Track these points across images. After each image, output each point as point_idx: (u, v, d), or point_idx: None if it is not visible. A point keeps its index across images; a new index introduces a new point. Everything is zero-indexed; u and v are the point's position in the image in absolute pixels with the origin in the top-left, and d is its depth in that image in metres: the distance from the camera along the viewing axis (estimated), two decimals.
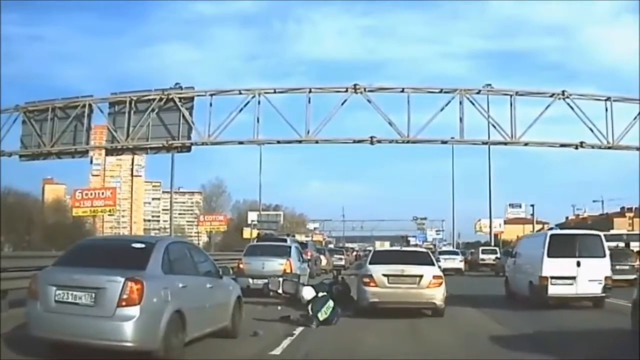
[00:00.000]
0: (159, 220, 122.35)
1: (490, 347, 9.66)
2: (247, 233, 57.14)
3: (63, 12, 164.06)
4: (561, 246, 15.62)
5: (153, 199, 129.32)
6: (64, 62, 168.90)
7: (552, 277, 15.21)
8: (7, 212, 50.39)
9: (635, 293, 10.55)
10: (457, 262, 37.00)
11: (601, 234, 16.95)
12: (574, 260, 15.29)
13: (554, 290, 15.16)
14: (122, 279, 6.82)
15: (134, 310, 6.77)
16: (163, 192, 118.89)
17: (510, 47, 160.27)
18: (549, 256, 15.36)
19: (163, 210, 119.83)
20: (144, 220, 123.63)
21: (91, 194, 36.72)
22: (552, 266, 15.27)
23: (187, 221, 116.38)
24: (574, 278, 15.19)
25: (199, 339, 8.39)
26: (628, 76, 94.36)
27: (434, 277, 13.27)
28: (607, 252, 15.85)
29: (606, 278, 15.33)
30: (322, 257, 36.92)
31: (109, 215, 42.36)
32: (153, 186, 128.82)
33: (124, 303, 6.74)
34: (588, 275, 15.23)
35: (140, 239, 8.44)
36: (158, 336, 6.99)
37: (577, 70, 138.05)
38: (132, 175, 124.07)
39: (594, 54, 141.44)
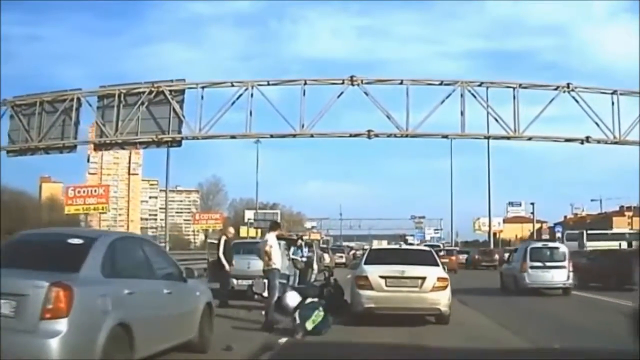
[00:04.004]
0: (156, 219, 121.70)
1: None
2: (243, 232, 56.38)
3: (59, 11, 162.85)
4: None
5: (150, 197, 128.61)
6: (59, 61, 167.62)
7: None
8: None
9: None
10: None
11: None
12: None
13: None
14: (46, 284, 5.45)
15: (61, 324, 5.40)
16: (160, 190, 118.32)
17: (508, 46, 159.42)
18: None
19: (160, 208, 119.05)
20: (141, 218, 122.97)
21: (84, 191, 36.06)
22: None
23: (185, 220, 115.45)
24: None
25: (155, 356, 7.02)
26: (627, 76, 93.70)
27: (439, 279, 11.69)
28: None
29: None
30: (325, 255, 36.65)
31: (101, 213, 41.48)
32: (150, 184, 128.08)
33: (48, 315, 5.39)
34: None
35: (80, 233, 6.97)
36: (94, 356, 5.67)
37: (575, 70, 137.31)
38: (129, 173, 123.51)
39: (593, 53, 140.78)
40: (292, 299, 11.02)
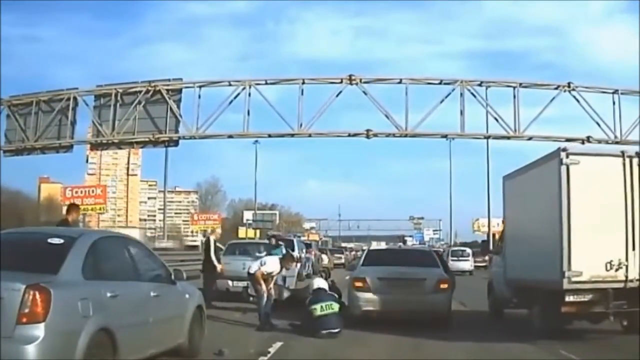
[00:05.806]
0: (154, 220, 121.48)
1: None
2: (242, 232, 56.24)
3: (57, 12, 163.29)
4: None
5: (149, 198, 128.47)
6: (57, 61, 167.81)
7: None
8: None
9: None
10: None
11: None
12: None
13: None
14: (22, 286, 5.13)
15: (38, 330, 5.07)
16: (159, 191, 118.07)
17: (506, 46, 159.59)
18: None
19: (159, 209, 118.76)
20: (140, 219, 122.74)
21: (81, 191, 36.15)
22: None
23: (183, 220, 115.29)
24: None
25: None
26: (626, 75, 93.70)
27: (440, 281, 11.44)
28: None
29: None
30: (323, 256, 36.62)
31: (99, 213, 41.34)
32: (149, 185, 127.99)
33: (24, 319, 5.07)
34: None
35: (61, 233, 6.57)
36: None
37: (574, 70, 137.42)
38: (127, 174, 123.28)
39: (591, 53, 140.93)
40: (319, 282, 11.17)
